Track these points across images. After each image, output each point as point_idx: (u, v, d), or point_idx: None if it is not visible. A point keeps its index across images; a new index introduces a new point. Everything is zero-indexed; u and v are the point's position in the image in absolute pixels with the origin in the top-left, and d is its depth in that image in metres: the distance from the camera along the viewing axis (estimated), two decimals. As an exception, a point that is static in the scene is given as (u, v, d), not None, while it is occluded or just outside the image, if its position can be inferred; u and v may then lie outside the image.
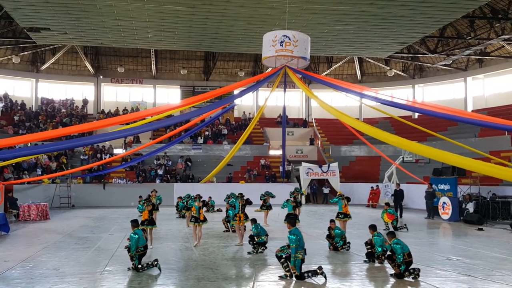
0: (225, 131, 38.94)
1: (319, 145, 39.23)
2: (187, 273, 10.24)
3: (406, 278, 9.67)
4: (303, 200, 27.82)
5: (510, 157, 25.80)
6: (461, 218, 20.89)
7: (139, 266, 10.34)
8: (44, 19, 26.21)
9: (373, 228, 11.50)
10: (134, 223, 11.03)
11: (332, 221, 13.49)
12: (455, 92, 39.92)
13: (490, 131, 29.75)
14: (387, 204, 18.23)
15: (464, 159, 13.10)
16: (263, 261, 11.60)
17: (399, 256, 9.77)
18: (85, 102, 40.38)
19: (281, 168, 32.77)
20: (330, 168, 31.07)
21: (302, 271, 9.63)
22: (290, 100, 43.40)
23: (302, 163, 32.26)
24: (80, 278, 9.71)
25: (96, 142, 26.67)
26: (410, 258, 9.86)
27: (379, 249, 10.98)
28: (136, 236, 10.56)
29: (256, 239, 12.71)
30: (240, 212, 14.47)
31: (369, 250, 11.44)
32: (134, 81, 42.05)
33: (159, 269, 10.30)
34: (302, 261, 9.70)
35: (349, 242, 13.19)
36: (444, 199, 21.68)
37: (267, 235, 12.98)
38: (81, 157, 32.31)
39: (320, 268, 9.66)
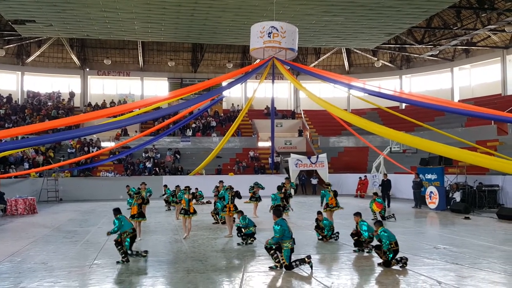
0: (213, 123, 38.86)
1: (308, 137, 39.31)
2: (177, 265, 10.25)
3: (394, 267, 9.77)
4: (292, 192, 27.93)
5: (496, 147, 26.07)
6: (448, 207, 21.11)
7: (129, 251, 10.34)
8: (29, 11, 25.86)
9: (358, 215, 11.63)
10: (116, 211, 10.95)
11: (319, 213, 13.55)
12: (442, 82, 40.19)
13: (477, 121, 30.03)
14: (375, 194, 18.37)
15: (451, 149, 13.21)
16: (253, 252, 11.64)
17: (386, 243, 9.86)
18: (71, 95, 40.04)
19: (270, 160, 32.82)
20: (319, 159, 31.13)
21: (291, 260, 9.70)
22: (278, 91, 43.40)
23: (291, 154, 32.29)
24: (68, 272, 9.67)
25: (84, 135, 26.54)
26: (397, 247, 9.95)
27: (366, 234, 11.11)
28: (119, 220, 10.52)
29: (243, 230, 12.74)
30: (229, 203, 14.51)
31: (356, 239, 11.52)
32: (121, 73, 41.76)
33: (145, 260, 10.34)
34: (291, 250, 9.76)
35: (337, 232, 13.28)
36: (431, 188, 21.88)
37: (255, 226, 13.02)
38: (68, 150, 32.05)
39: (309, 257, 9.71)
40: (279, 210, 10.36)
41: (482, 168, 20.18)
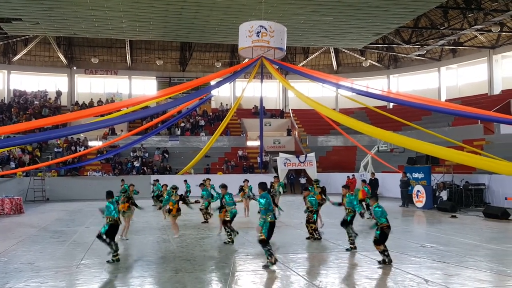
0: (202, 122, 38.78)
1: (296, 136, 39.39)
2: (165, 265, 10.21)
3: (380, 265, 9.80)
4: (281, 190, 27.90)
5: (482, 146, 26.31)
6: (435, 206, 21.27)
7: (106, 238, 10.23)
8: (15, 9, 25.58)
9: (346, 187, 12.17)
10: (109, 195, 10.81)
11: (305, 189, 13.63)
12: (429, 82, 40.48)
13: (463, 120, 30.27)
14: (364, 181, 18.59)
15: (438, 148, 13.30)
16: (241, 251, 11.62)
17: (382, 219, 9.89)
18: (58, 93, 39.71)
19: (259, 159, 32.82)
20: (307, 158, 31.23)
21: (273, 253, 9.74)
22: (267, 91, 43.40)
23: (280, 153, 32.36)
24: (55, 272, 9.59)
25: (71, 134, 26.33)
26: (387, 224, 10.01)
27: (348, 205, 11.56)
28: (112, 206, 10.43)
29: (227, 214, 12.65)
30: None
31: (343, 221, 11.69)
32: (108, 72, 41.48)
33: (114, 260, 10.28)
34: (271, 224, 9.76)
35: (320, 234, 13.27)
36: (418, 187, 22.04)
37: (235, 204, 12.99)
38: (55, 149, 31.80)
39: (275, 261, 9.71)
40: (264, 183, 10.33)
41: (468, 167, 20.37)
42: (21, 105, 36.68)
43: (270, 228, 9.75)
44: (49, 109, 36.11)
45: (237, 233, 12.70)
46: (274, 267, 9.65)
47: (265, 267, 9.65)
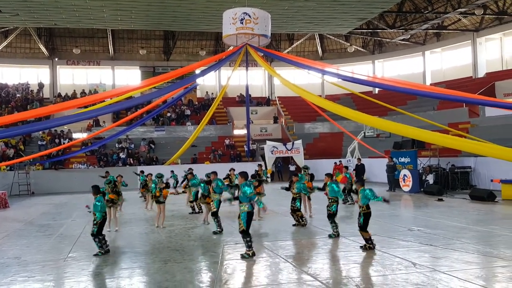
0: (188, 112, 38.55)
1: (283, 123, 39.38)
2: (154, 255, 10.14)
3: (365, 249, 9.83)
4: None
5: (468, 129, 26.50)
6: (422, 189, 21.45)
7: (97, 236, 10.12)
8: (-7, 1, 25.13)
9: (328, 176, 12.05)
10: (95, 189, 10.63)
11: (295, 175, 13.66)
12: (414, 66, 40.66)
13: (448, 103, 30.45)
14: (346, 167, 18.74)
15: (424, 132, 13.32)
16: (230, 240, 11.59)
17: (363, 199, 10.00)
18: (40, 85, 39.18)
19: (246, 148, 32.76)
20: (294, 145, 31.25)
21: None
22: (252, 78, 43.26)
23: (267, 141, 32.32)
24: (43, 266, 9.47)
25: (54, 126, 25.99)
26: (368, 210, 10.02)
27: (332, 194, 11.47)
28: (99, 203, 10.30)
29: (213, 204, 12.59)
30: (209, 195, 14.33)
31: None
32: (91, 62, 41.01)
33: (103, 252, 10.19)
34: (249, 214, 9.62)
35: (305, 219, 13.29)
36: (404, 171, 22.18)
37: (221, 193, 12.93)
38: (39, 142, 31.40)
39: (253, 254, 9.64)
40: (246, 172, 10.18)
41: (454, 150, 20.49)
42: (3, 98, 36.12)
43: (248, 218, 9.62)
44: (30, 102, 35.57)
45: (221, 230, 12.59)
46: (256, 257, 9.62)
47: (242, 257, 9.60)
